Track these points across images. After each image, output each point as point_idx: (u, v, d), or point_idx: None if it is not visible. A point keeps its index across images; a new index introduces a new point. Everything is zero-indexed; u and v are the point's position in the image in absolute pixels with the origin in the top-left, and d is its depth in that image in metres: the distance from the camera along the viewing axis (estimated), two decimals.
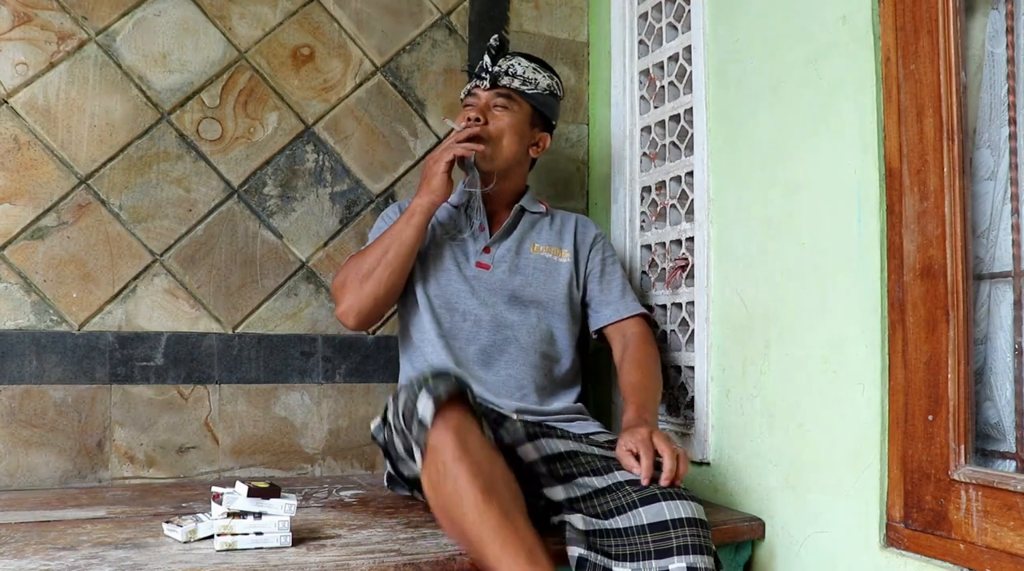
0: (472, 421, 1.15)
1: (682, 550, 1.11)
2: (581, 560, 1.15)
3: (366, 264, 1.46)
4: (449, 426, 1.10)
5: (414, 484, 1.31)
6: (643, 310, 1.60)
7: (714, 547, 1.15)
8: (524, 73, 1.55)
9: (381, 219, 1.62)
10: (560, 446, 1.34)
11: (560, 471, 1.30)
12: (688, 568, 1.09)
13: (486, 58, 1.55)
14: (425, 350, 1.52)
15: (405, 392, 1.16)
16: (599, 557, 1.15)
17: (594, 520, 1.20)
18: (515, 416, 1.43)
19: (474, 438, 1.12)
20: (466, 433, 1.11)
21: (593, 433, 1.45)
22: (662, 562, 1.10)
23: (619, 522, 1.16)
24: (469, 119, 1.50)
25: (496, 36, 1.57)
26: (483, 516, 1.06)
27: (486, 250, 1.55)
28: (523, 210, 1.61)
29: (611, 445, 1.33)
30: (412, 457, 1.16)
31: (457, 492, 1.07)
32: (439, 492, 1.10)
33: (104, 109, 1.64)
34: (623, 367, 1.51)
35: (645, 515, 1.14)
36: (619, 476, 1.22)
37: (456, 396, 1.14)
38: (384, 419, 1.26)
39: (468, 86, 1.59)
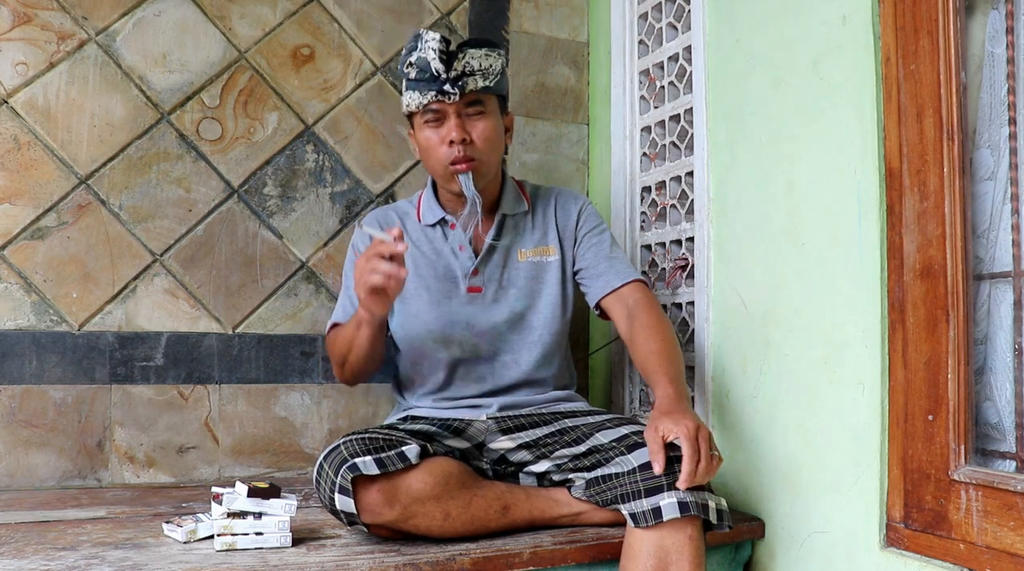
0: (388, 481, 1.16)
1: (672, 486, 1.12)
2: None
3: (338, 353, 1.43)
4: (373, 503, 1.15)
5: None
6: (638, 276, 1.46)
7: (706, 482, 1.16)
8: (482, 65, 1.36)
9: (352, 250, 1.53)
10: (536, 433, 1.38)
11: (540, 449, 1.35)
12: (679, 503, 1.11)
13: (437, 64, 1.32)
14: (426, 381, 1.49)
15: (320, 487, 1.19)
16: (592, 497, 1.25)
17: (583, 473, 1.27)
18: (484, 417, 1.42)
19: (401, 490, 1.17)
20: (391, 496, 1.16)
21: (582, 412, 1.43)
22: (653, 499, 1.12)
23: (610, 468, 1.21)
24: (452, 142, 1.35)
25: (436, 37, 1.34)
26: (452, 526, 1.21)
27: (475, 273, 1.45)
28: (504, 217, 1.50)
29: (597, 416, 1.37)
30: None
31: (419, 530, 1.20)
32: (406, 534, 1.21)
33: (104, 109, 1.64)
34: (637, 336, 1.36)
35: (634, 459, 1.17)
36: (602, 438, 1.26)
37: (360, 475, 1.15)
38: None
39: (421, 99, 1.35)
